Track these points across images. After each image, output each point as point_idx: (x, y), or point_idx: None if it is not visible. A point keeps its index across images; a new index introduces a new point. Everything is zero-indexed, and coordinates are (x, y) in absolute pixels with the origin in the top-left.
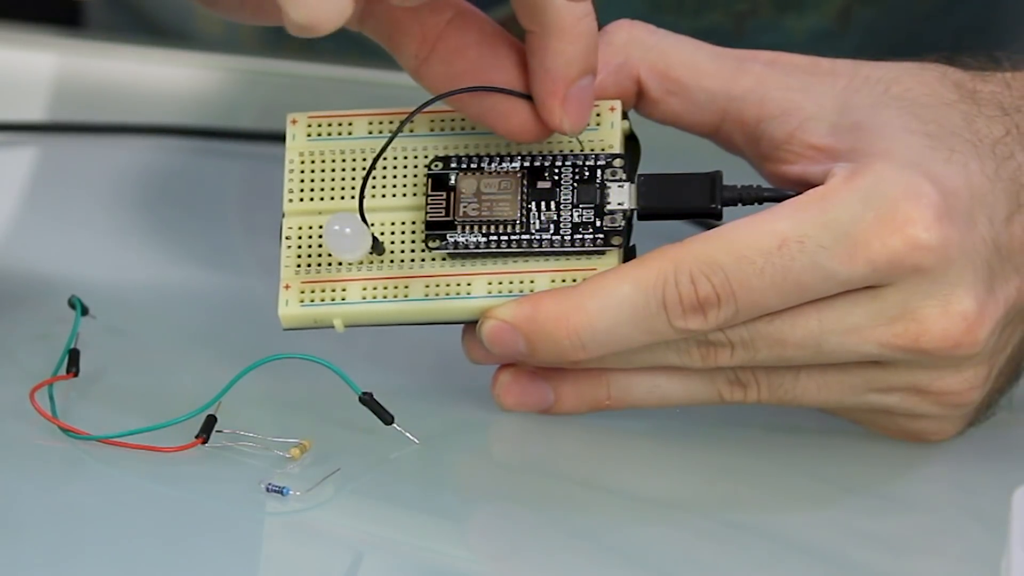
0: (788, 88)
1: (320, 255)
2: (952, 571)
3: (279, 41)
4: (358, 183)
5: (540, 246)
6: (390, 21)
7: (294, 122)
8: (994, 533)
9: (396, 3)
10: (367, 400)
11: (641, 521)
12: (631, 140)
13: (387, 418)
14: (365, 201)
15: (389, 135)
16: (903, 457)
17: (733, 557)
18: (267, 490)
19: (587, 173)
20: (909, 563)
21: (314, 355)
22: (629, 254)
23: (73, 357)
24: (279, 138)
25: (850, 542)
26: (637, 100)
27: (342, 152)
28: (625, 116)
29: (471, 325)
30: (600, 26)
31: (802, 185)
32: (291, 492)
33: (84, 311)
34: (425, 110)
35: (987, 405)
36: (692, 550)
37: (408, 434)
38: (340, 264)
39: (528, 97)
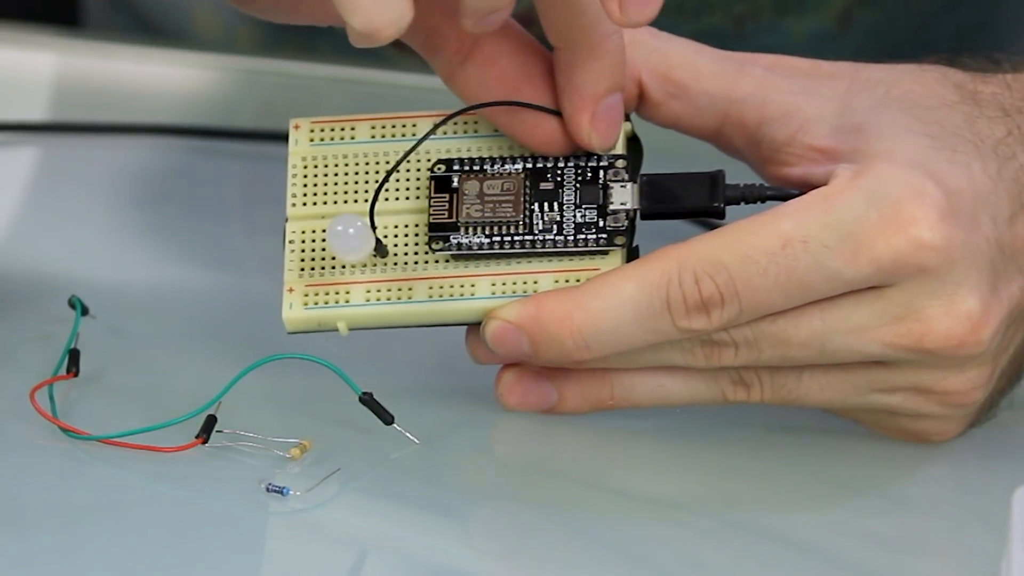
0: (789, 91)
1: (323, 258)
2: (954, 571)
3: (278, 41)
4: (361, 187)
5: (543, 247)
6: (429, 25)
7: (297, 127)
8: (996, 533)
9: (472, 29)
10: (367, 400)
11: (643, 521)
12: (634, 142)
13: (387, 418)
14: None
15: (400, 139)
16: (905, 457)
17: (735, 557)
18: (267, 490)
19: (590, 174)
20: (911, 563)
21: (314, 355)
22: (632, 254)
23: (73, 357)
24: (278, 138)
25: (852, 542)
26: (638, 103)
27: (345, 156)
28: (627, 118)
29: (475, 326)
30: None
31: (805, 187)
32: (291, 492)
33: (84, 311)
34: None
35: (989, 406)
36: (694, 550)
37: (408, 434)
38: (344, 267)
39: (558, 113)
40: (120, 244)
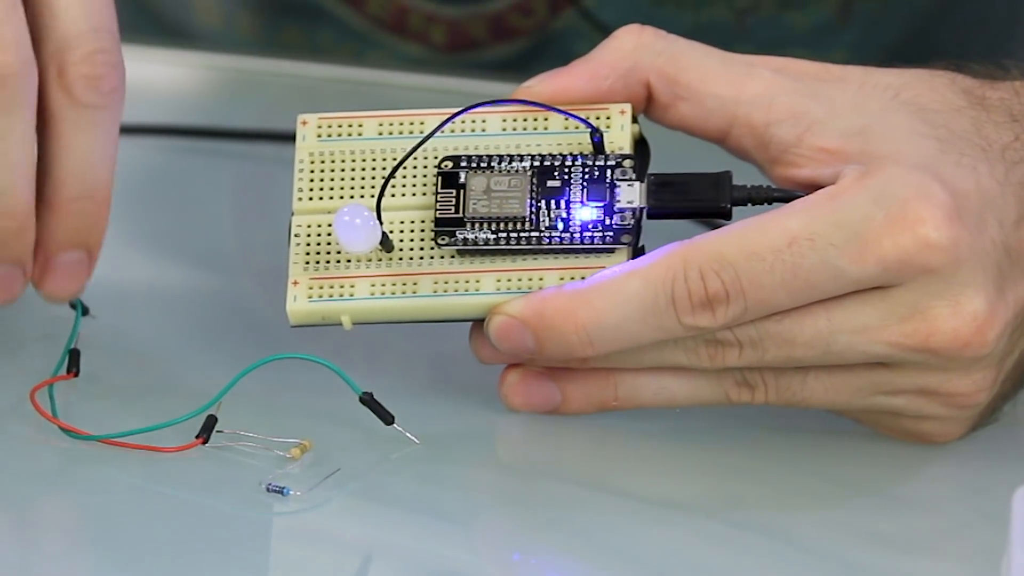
0: (797, 93)
1: (329, 252)
2: (958, 571)
3: (278, 40)
4: (368, 183)
5: (549, 243)
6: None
7: (304, 123)
8: (1000, 533)
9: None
10: (367, 400)
11: (647, 523)
12: (641, 144)
13: (387, 418)
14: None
15: (408, 136)
16: (908, 457)
17: (739, 558)
18: (267, 490)
19: (597, 173)
20: (915, 563)
21: (315, 355)
22: (638, 253)
23: (73, 357)
24: (278, 138)
25: (856, 542)
26: (647, 105)
27: (352, 153)
28: (635, 120)
29: (479, 324)
30: (606, 27)
31: (812, 188)
32: (291, 492)
33: (84, 311)
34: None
35: (992, 410)
36: (698, 551)
37: (408, 434)
38: (348, 261)
39: (564, 113)
40: (120, 244)
